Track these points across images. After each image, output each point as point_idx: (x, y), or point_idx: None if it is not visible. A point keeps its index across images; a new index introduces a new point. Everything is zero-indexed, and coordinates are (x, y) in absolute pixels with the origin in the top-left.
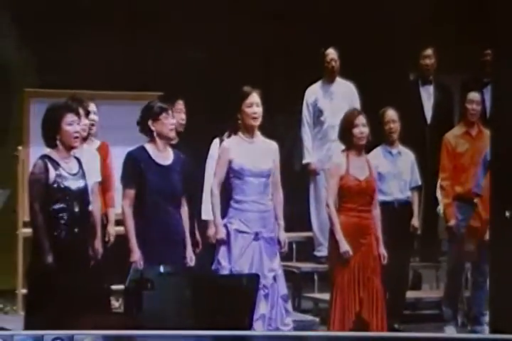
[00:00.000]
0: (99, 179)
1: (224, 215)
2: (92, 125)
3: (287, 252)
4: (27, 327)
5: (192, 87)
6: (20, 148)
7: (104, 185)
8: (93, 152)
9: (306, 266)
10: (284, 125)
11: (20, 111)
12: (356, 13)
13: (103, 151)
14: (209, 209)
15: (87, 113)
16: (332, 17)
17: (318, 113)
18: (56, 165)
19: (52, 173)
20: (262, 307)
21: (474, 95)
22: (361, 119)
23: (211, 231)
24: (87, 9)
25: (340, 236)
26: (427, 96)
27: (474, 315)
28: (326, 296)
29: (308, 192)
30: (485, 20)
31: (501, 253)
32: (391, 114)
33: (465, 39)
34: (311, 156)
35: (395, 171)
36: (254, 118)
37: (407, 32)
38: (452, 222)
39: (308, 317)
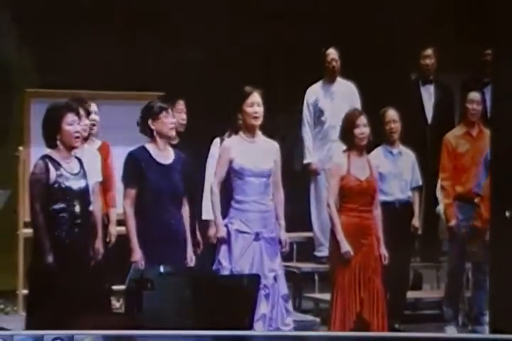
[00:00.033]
0: (100, 179)
1: (225, 215)
2: (93, 125)
3: (288, 252)
4: (28, 327)
5: (192, 87)
6: (20, 148)
7: (105, 185)
8: (94, 152)
9: (307, 266)
10: (284, 125)
11: (20, 111)
12: (357, 13)
13: (104, 151)
14: (209, 209)
15: (88, 113)
16: (332, 17)
17: (318, 113)
18: (57, 165)
19: (53, 173)
20: (262, 307)
21: (475, 95)
22: (362, 119)
23: (212, 231)
24: (87, 9)
25: (341, 236)
26: (428, 96)
27: (475, 315)
28: (327, 296)
29: (308, 192)
30: (485, 20)
31: (501, 253)
32: (392, 114)
33: (465, 39)
34: (311, 156)
35: (396, 171)
36: (256, 117)
37: (408, 32)
38: (453, 222)
39: (309, 318)
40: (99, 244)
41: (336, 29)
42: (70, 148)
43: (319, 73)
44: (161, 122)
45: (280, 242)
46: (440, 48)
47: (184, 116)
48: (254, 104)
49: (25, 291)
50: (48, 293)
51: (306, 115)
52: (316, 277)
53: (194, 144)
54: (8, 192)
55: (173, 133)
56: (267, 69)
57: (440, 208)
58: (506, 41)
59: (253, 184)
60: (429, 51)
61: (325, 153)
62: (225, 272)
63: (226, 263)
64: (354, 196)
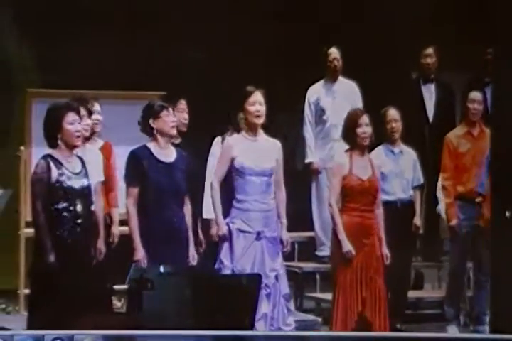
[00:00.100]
0: (102, 179)
1: (226, 215)
2: (96, 124)
3: (289, 252)
4: (29, 327)
5: (194, 86)
6: (22, 148)
7: (108, 185)
8: (96, 151)
9: (308, 266)
10: (286, 124)
11: (22, 111)
12: (357, 13)
13: (106, 151)
14: (210, 208)
15: (90, 112)
16: (333, 17)
17: (320, 112)
18: (59, 164)
19: (54, 172)
20: (264, 307)
21: (476, 94)
22: (365, 119)
23: (213, 230)
24: (87, 9)
25: (342, 236)
26: (429, 95)
27: (476, 315)
28: (328, 296)
29: (310, 191)
30: (486, 20)
31: (502, 253)
32: (393, 113)
33: (467, 38)
34: (313, 155)
35: (397, 170)
36: (258, 116)
37: (408, 31)
38: (454, 222)
39: (311, 317)
40: (100, 244)
41: (337, 28)
42: (71, 147)
43: (320, 72)
44: (161, 121)
45: (282, 241)
46: (441, 47)
47: (186, 115)
48: (256, 103)
49: (27, 291)
50: (50, 292)
51: (308, 114)
52: (318, 276)
53: (195, 143)
54: (10, 192)
55: (174, 131)
56: (268, 68)
57: (440, 207)
58: (506, 41)
59: (254, 183)
60: (429, 50)
61: (326, 152)
62: (227, 271)
63: (228, 263)
64: (356, 195)
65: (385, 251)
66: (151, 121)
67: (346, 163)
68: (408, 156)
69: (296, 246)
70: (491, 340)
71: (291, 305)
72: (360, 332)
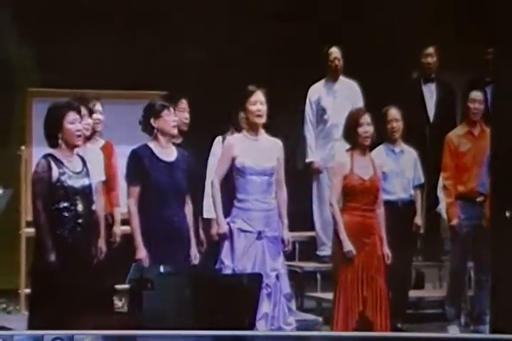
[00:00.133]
0: (103, 178)
1: (227, 214)
2: (97, 124)
3: (290, 251)
4: (30, 327)
5: (195, 86)
6: (22, 147)
7: (109, 185)
8: (97, 151)
9: (309, 266)
10: (287, 124)
11: (22, 110)
12: (358, 13)
13: (107, 150)
14: (211, 208)
15: (91, 112)
16: (334, 16)
17: (321, 111)
18: (59, 163)
19: (55, 172)
20: (264, 306)
21: (477, 94)
22: (366, 118)
23: (214, 230)
24: (87, 9)
25: (343, 235)
26: (430, 94)
27: (477, 315)
28: (329, 295)
29: (310, 190)
30: (486, 19)
31: (502, 253)
32: (394, 112)
33: (467, 37)
34: (314, 155)
35: (398, 169)
36: (259, 115)
37: (409, 31)
38: (455, 221)
39: (311, 317)
40: (101, 243)
41: (338, 28)
42: (72, 146)
43: (321, 72)
44: (162, 120)
45: (283, 241)
46: (441, 47)
47: (187, 115)
48: (258, 103)
49: (28, 290)
50: (50, 292)
51: (309, 113)
52: (319, 276)
53: (196, 143)
54: (11, 191)
55: (176, 131)
56: (268, 68)
57: (441, 207)
58: (506, 40)
59: (255, 182)
60: (430, 49)
61: (327, 152)
62: (228, 271)
63: (228, 262)
64: (357, 195)
65: (386, 250)
66: (152, 121)
67: (347, 163)
68: (409, 156)
69: (296, 245)
70: (491, 340)
71: (293, 305)
72: (361, 331)
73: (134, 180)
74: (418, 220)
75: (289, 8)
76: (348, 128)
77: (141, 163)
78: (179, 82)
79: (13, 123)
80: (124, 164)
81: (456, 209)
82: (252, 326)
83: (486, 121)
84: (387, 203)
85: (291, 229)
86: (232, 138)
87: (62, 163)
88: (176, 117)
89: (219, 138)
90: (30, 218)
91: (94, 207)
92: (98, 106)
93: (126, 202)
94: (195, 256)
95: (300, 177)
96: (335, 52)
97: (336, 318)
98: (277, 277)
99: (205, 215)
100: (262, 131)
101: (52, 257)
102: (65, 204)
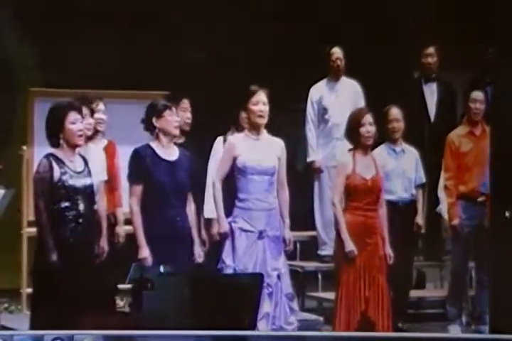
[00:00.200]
0: (105, 178)
1: (228, 214)
2: (99, 123)
3: (291, 251)
4: (32, 326)
5: (196, 86)
6: (24, 147)
7: (111, 184)
8: (99, 151)
9: (310, 265)
10: (288, 123)
11: (24, 110)
12: (359, 13)
13: (110, 150)
14: (212, 208)
15: (92, 112)
16: (334, 16)
17: (322, 111)
18: (61, 163)
19: (57, 172)
20: (266, 306)
21: (478, 94)
22: (368, 118)
23: (215, 230)
24: (88, 9)
25: (345, 235)
26: (430, 94)
27: (478, 314)
28: (330, 295)
29: (312, 190)
30: (486, 19)
31: (501, 253)
32: (395, 112)
33: (467, 37)
34: (315, 154)
35: (399, 169)
36: (261, 116)
37: (410, 31)
38: (456, 221)
39: (312, 317)
40: (103, 243)
41: (339, 28)
42: (73, 146)
43: (322, 72)
44: (164, 120)
45: (284, 241)
46: (442, 47)
47: (189, 114)
48: (260, 103)
49: (29, 290)
50: (52, 291)
51: (310, 113)
52: (320, 276)
53: (198, 142)
54: (12, 191)
55: (177, 131)
56: (270, 68)
57: (441, 207)
58: (506, 40)
59: (256, 182)
60: (431, 49)
61: (328, 151)
62: (229, 271)
63: (230, 262)
64: (359, 195)
65: (388, 250)
66: (154, 120)
67: (350, 163)
68: (410, 155)
69: (298, 245)
70: (491, 340)
71: (295, 304)
72: (363, 331)
73: (136, 180)
74: (419, 220)
75: (289, 8)
76: (351, 128)
77: (143, 163)
78: (179, 82)
79: (14, 123)
80: (126, 164)
81: (458, 209)
82: (253, 326)
83: (487, 121)
84: (388, 203)
85: (293, 228)
86: (234, 137)
87: (63, 163)
88: (177, 117)
89: (220, 138)
90: (31, 218)
91: (96, 207)
92: (101, 106)
93: (128, 201)
94: (199, 254)
95: (301, 176)
96: (337, 52)
97: (338, 318)
98: (278, 277)
99: (207, 215)
100: (263, 130)
101: (54, 257)
102: (67, 204)
